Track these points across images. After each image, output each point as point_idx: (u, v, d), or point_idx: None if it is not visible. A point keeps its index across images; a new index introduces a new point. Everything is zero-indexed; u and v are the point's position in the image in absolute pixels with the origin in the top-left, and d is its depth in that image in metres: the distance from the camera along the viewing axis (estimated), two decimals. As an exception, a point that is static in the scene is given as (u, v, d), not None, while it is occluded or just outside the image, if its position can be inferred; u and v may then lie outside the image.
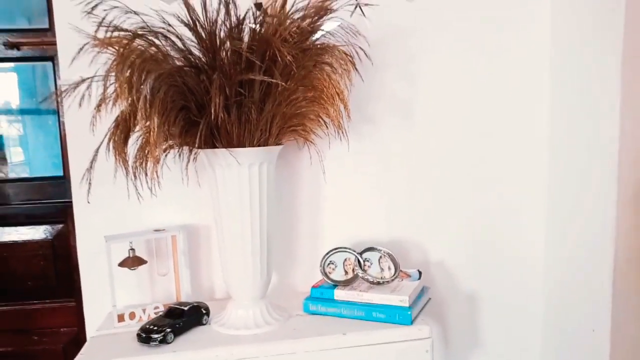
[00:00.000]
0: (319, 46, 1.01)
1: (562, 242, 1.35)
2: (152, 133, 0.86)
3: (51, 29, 1.91)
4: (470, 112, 1.35)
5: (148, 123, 0.88)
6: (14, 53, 1.92)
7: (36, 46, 1.93)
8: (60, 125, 1.94)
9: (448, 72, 1.33)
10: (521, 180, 1.39)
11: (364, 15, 1.01)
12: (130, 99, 0.86)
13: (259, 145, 1.05)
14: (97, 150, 1.02)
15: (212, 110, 0.89)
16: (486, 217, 1.39)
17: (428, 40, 1.31)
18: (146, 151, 1.01)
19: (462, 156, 1.36)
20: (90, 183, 1.02)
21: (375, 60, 1.23)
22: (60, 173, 1.93)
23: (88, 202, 1.13)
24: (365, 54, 1.16)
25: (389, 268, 1.20)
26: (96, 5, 0.95)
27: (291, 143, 1.27)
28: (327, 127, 1.07)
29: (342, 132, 1.10)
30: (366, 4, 1.02)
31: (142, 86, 0.85)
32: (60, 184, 1.90)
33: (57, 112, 1.91)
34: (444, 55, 1.32)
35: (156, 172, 1.02)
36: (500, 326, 1.44)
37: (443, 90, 1.33)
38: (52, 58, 1.89)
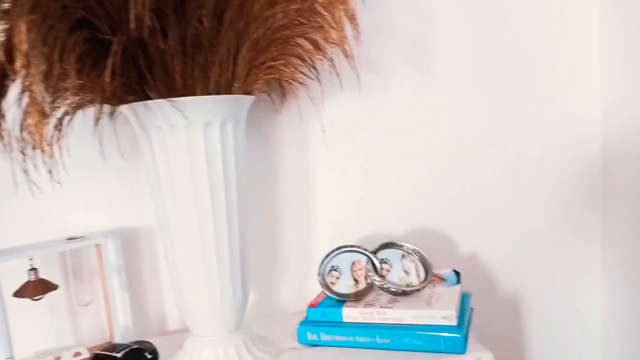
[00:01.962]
0: None
1: (622, 230, 1.02)
2: (20, 57, 0.47)
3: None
4: (506, 68, 1.00)
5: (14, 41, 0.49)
6: None
7: None
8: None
9: (476, 8, 0.97)
10: (573, 150, 1.05)
11: None
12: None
13: (217, 93, 0.67)
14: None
15: (132, 15, 0.50)
16: (530, 200, 1.05)
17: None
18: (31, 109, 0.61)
19: (498, 123, 1.01)
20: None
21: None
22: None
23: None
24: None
25: (417, 270, 0.84)
26: None
27: (262, 102, 0.89)
28: (325, 56, 0.68)
29: (351, 63, 0.72)
30: None
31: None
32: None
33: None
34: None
35: (56, 143, 0.62)
36: (549, 338, 1.09)
37: (470, 33, 0.97)
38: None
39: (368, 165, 0.96)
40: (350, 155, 0.95)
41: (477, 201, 1.02)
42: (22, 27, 0.46)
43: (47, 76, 0.50)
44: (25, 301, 0.81)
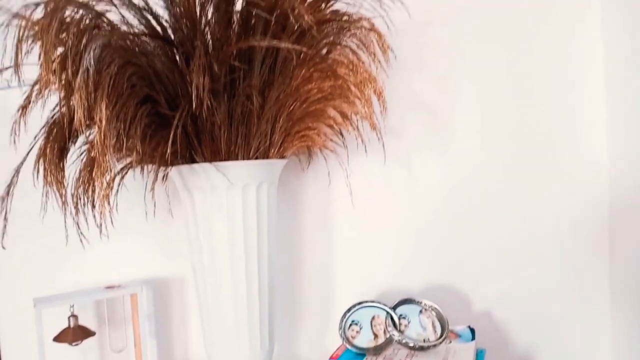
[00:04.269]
0: (342, 18, 0.72)
1: (631, 288, 1.07)
2: (98, 131, 0.54)
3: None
4: (520, 134, 1.07)
5: (93, 125, 0.56)
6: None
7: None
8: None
9: (492, 82, 1.06)
10: (581, 210, 1.11)
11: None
12: (62, 81, 0.55)
13: (256, 158, 0.74)
14: (17, 170, 0.69)
15: (194, 96, 0.58)
16: (543, 260, 1.09)
17: (465, 38, 1.04)
18: (93, 172, 0.68)
19: (512, 185, 1.07)
20: (6, 219, 0.68)
21: (400, 54, 0.95)
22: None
23: (3, 248, 0.78)
24: (387, 44, 0.88)
25: (434, 326, 0.88)
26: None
27: (290, 162, 0.96)
28: (353, 128, 0.75)
29: (377, 135, 0.80)
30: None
31: (81, 57, 0.53)
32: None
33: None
34: (488, 60, 1.05)
35: (107, 200, 0.69)
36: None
37: (485, 103, 1.05)
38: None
39: (386, 225, 1.02)
40: (370, 216, 1.01)
41: (491, 261, 1.07)
42: (103, 106, 0.53)
43: (117, 146, 0.57)
44: (64, 347, 0.85)
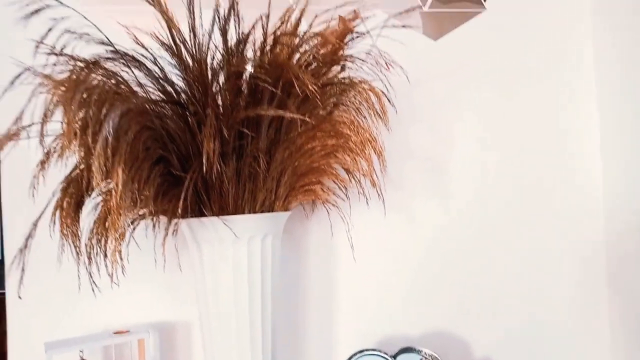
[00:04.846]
0: (343, 81, 0.77)
1: (630, 342, 1.08)
2: (114, 194, 0.58)
3: None
4: (516, 181, 1.10)
5: (109, 180, 0.60)
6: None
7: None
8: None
9: (487, 130, 1.10)
10: (580, 259, 1.13)
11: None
12: (82, 143, 0.59)
13: (262, 211, 0.78)
14: (35, 223, 0.72)
15: (204, 160, 0.62)
16: (543, 306, 1.11)
17: (460, 91, 1.09)
18: (106, 224, 0.72)
19: (511, 233, 1.10)
20: (23, 270, 0.71)
21: (399, 109, 1.00)
22: (-1, 255, 1.58)
23: (19, 297, 0.82)
24: (387, 98, 0.93)
25: (433, 375, 0.90)
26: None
27: (294, 210, 1.00)
28: (355, 182, 0.79)
29: (378, 191, 0.83)
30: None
31: (101, 125, 0.58)
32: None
33: None
34: (482, 110, 1.10)
35: (119, 252, 0.73)
36: None
37: (482, 151, 1.09)
38: None
39: (387, 272, 1.04)
40: (371, 264, 1.03)
41: (491, 308, 1.09)
42: (119, 170, 0.57)
43: (131, 204, 0.61)
44: (71, 390, 0.87)
